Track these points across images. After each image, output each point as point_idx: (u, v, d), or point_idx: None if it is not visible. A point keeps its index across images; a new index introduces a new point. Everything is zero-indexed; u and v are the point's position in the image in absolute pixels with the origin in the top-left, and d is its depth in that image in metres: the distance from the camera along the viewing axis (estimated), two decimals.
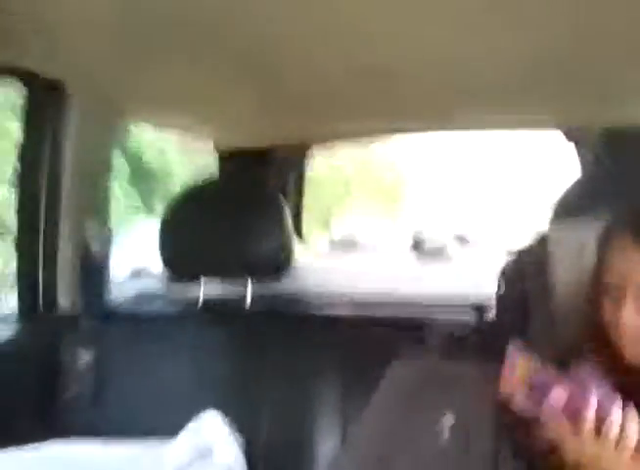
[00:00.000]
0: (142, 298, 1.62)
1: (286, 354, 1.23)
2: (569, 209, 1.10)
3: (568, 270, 0.95)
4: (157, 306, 1.56)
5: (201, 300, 1.36)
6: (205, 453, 1.07)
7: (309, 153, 2.00)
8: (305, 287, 1.66)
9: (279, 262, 1.29)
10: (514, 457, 0.92)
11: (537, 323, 0.96)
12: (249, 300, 1.35)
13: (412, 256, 1.99)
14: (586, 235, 0.97)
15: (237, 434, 1.13)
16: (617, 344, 0.80)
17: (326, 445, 1.16)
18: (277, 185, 1.90)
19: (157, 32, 0.99)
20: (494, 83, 1.28)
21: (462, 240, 2.05)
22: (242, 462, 1.08)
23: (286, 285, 1.44)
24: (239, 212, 1.27)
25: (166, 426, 1.11)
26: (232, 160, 1.83)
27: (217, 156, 1.85)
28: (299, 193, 2.05)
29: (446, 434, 1.03)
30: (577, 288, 0.92)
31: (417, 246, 2.01)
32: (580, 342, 0.86)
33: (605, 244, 0.82)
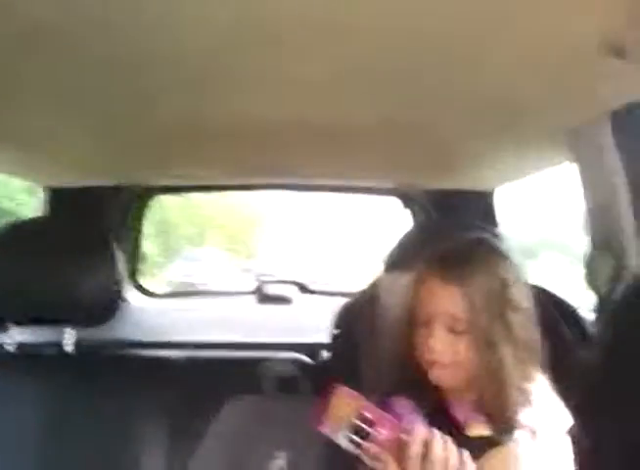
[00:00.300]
0: None
1: (108, 402, 1.12)
2: (397, 260, 1.20)
3: (393, 314, 1.01)
4: None
5: (10, 346, 1.20)
6: None
7: (150, 196, 1.90)
8: (137, 330, 1.56)
9: (102, 308, 1.18)
10: None
11: (366, 359, 0.99)
12: (68, 346, 1.22)
13: (254, 300, 1.99)
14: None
15: None
16: (426, 372, 0.86)
17: None
18: (113, 227, 1.78)
19: None
20: (338, 147, 1.34)
21: (303, 288, 2.09)
22: None
23: (114, 329, 1.33)
24: (60, 256, 1.16)
25: None
26: (64, 199, 1.66)
27: (49, 195, 1.67)
28: (138, 235, 1.94)
29: None
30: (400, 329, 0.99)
31: (259, 291, 2.01)
32: (398, 376, 0.91)
33: (416, 283, 0.90)
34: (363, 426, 0.76)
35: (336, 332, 1.10)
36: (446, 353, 0.84)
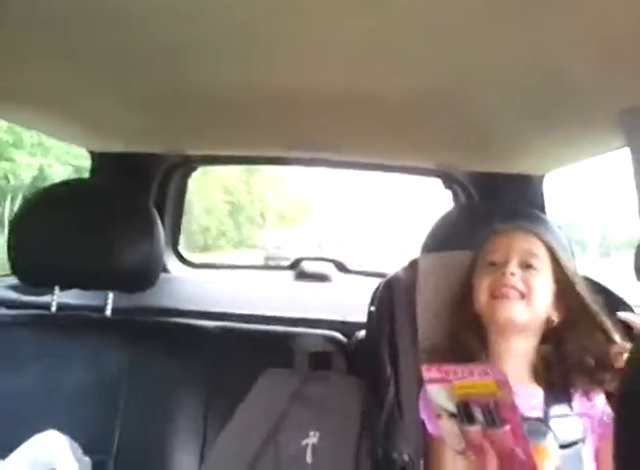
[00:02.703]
0: None
1: (146, 366, 1.16)
2: (436, 241, 1.18)
3: (433, 289, 1.02)
4: (4, 313, 1.40)
5: (54, 308, 1.25)
6: None
7: (192, 166, 1.90)
8: (176, 299, 1.59)
9: (143, 276, 1.22)
10: None
11: (404, 336, 0.99)
12: (109, 310, 1.27)
13: (291, 277, 2.00)
14: (450, 262, 1.05)
15: (83, 456, 1.02)
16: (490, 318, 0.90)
17: (184, 465, 1.10)
18: (156, 196, 1.79)
19: (29, 34, 0.89)
20: (380, 127, 1.32)
21: (341, 266, 2.08)
22: None
23: (154, 296, 1.37)
24: (103, 222, 1.18)
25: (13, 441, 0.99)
26: (105, 165, 1.68)
27: (91, 160, 1.70)
28: (179, 205, 1.95)
29: (309, 455, 1.03)
30: (442, 305, 1.00)
31: (297, 268, 2.02)
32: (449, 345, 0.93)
33: (492, 235, 0.98)
34: (490, 412, 0.69)
35: (372, 309, 1.09)
36: (520, 284, 0.88)
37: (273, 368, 1.13)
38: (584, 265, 1.21)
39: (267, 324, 1.37)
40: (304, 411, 1.06)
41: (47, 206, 1.21)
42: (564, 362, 0.87)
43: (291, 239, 9.77)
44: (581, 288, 0.92)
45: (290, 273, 2.02)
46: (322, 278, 1.96)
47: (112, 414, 1.11)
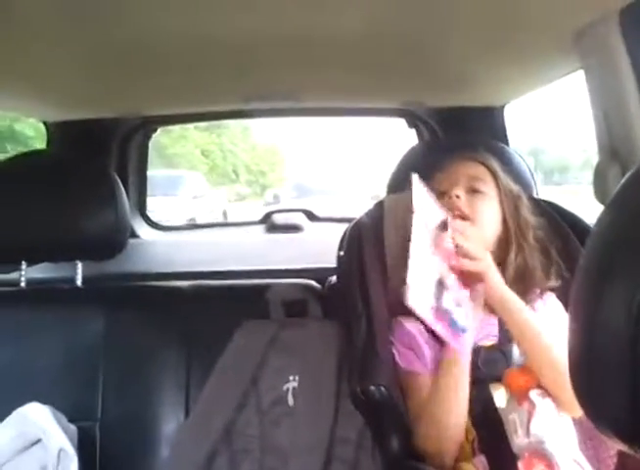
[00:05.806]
0: None
1: (123, 330, 1.16)
2: (401, 180, 1.18)
3: (399, 228, 1.01)
4: None
5: (23, 283, 1.23)
6: (29, 445, 0.96)
7: (151, 127, 1.84)
8: (147, 263, 1.58)
9: (110, 243, 1.21)
10: (353, 413, 0.97)
11: (374, 273, 1.00)
12: (79, 280, 1.26)
13: (262, 230, 1.99)
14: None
15: (69, 424, 1.03)
16: None
17: (170, 420, 1.12)
18: (117, 162, 1.75)
19: None
20: (339, 70, 1.29)
21: (311, 215, 2.07)
22: (73, 452, 0.98)
23: (124, 262, 1.35)
24: (64, 192, 1.16)
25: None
26: (62, 135, 1.63)
27: (46, 132, 1.64)
28: (142, 169, 1.90)
29: (291, 398, 1.06)
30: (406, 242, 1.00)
31: (267, 221, 2.01)
32: None
33: (439, 172, 0.99)
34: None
35: (342, 253, 1.10)
36: (466, 207, 0.90)
37: (250, 320, 1.15)
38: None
39: (242, 279, 1.37)
40: (283, 357, 1.09)
41: (6, 180, 1.18)
42: (516, 281, 0.90)
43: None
44: (525, 210, 0.96)
45: (260, 227, 2.01)
46: (293, 229, 1.95)
47: (93, 381, 1.12)
